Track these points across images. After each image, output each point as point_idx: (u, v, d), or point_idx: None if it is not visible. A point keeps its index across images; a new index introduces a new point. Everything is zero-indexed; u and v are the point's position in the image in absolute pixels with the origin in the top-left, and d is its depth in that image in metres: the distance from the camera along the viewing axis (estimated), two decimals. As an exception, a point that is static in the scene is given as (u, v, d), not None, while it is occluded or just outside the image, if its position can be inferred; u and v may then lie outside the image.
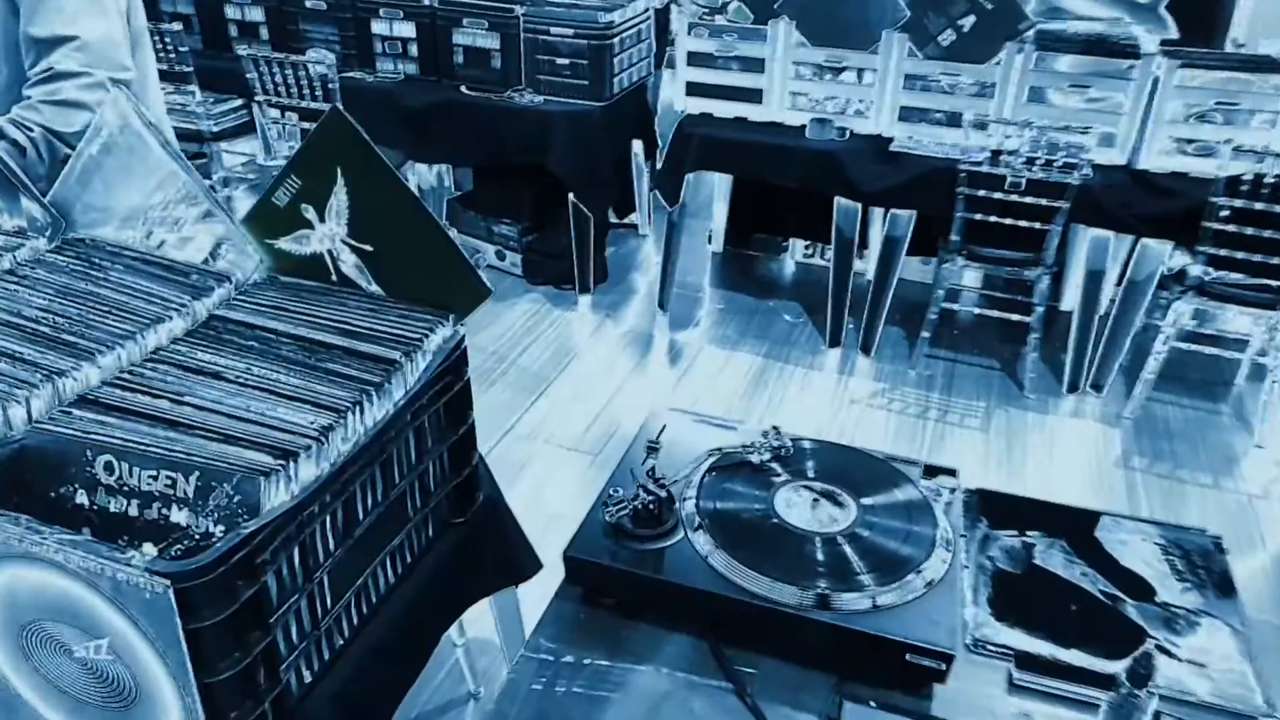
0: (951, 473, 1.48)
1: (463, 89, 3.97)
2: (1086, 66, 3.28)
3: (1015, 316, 3.53)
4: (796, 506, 1.36)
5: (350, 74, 4.09)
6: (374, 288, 1.46)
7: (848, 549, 1.29)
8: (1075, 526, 1.50)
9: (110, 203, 1.48)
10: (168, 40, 3.96)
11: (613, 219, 4.71)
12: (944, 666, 1.17)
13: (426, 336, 1.35)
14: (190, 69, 4.06)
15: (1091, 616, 1.33)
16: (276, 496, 1.03)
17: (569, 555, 1.29)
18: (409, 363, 1.31)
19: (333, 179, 1.38)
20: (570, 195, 3.85)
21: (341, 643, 1.26)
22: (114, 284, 1.35)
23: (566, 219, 3.95)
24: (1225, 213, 2.98)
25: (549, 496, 2.86)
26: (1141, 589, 1.37)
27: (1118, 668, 1.09)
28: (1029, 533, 1.49)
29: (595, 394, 3.44)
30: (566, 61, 3.81)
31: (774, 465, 1.45)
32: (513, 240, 4.14)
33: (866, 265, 4.29)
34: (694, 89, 3.69)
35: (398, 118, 3.95)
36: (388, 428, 1.24)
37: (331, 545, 1.17)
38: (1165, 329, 3.23)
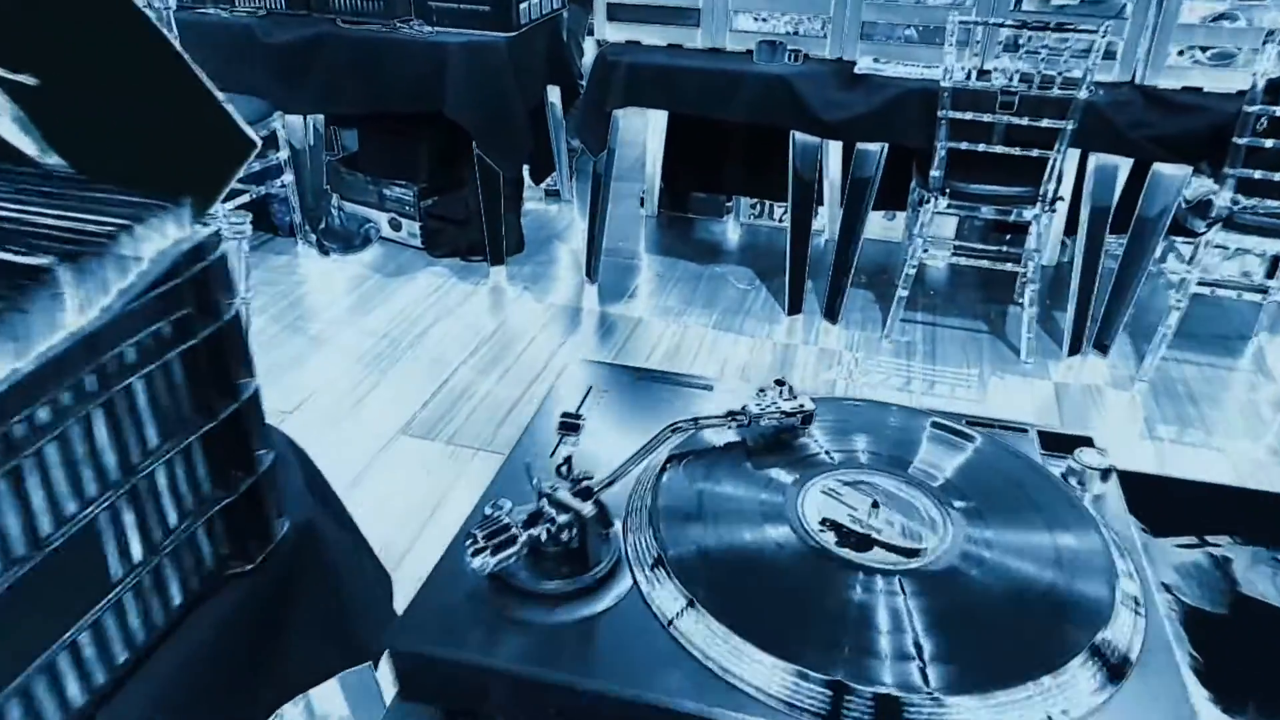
0: (1086, 442, 0.88)
1: (339, 21, 3.28)
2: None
3: (1008, 266, 3.00)
4: (842, 517, 0.75)
5: (201, 9, 3.37)
6: (51, 159, 0.81)
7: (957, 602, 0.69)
8: (1271, 517, 0.93)
9: None
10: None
11: (529, 183, 4.07)
12: None
13: (124, 234, 0.70)
14: None
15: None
16: None
17: (395, 650, 0.67)
18: (80, 279, 0.66)
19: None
20: (475, 148, 3.20)
21: None
22: None
23: (472, 178, 3.29)
24: (1263, 123, 2.47)
25: (448, 517, 2.20)
26: None
27: None
28: (1210, 538, 0.90)
29: (512, 380, 2.79)
30: (463, -16, 3.16)
31: (788, 444, 0.84)
32: (409, 205, 3.46)
33: (823, 224, 3.74)
34: (617, 11, 3.07)
35: (260, 60, 3.26)
36: (25, 392, 0.60)
37: None
38: (1187, 273, 2.73)
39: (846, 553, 0.72)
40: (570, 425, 0.85)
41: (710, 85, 2.92)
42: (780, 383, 0.90)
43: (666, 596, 0.70)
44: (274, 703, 1.03)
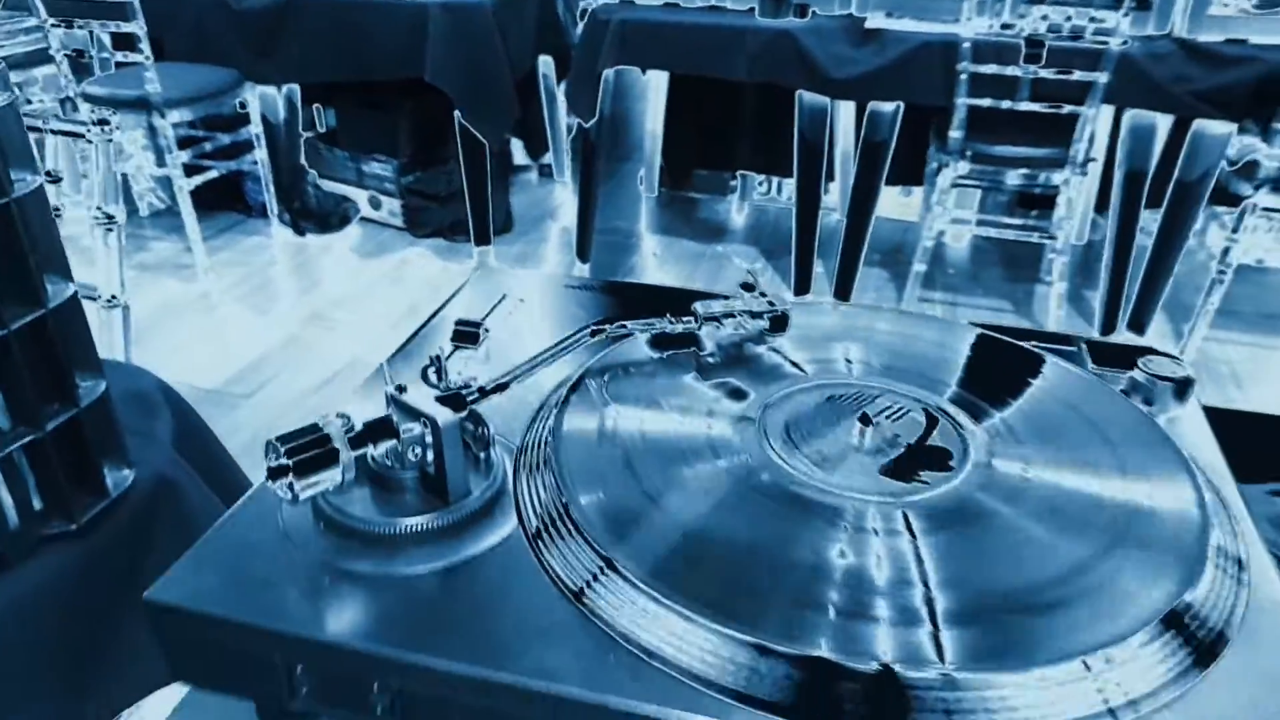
0: (1150, 353, 0.65)
1: (313, -15, 3.08)
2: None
3: (1035, 237, 2.76)
4: (826, 441, 0.53)
5: (170, -23, 3.18)
6: None
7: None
8: None
9: None
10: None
11: (523, 160, 3.86)
12: None
13: None
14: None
15: None
16: None
17: (153, 603, 0.44)
18: None
19: None
20: (458, 117, 2.98)
21: None
22: None
23: (455, 152, 3.08)
24: (1319, 72, 2.22)
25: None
26: None
27: None
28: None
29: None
30: (444, -58, 2.95)
31: (754, 357, 0.62)
32: (389, 182, 3.25)
33: (835, 202, 3.51)
34: (609, -33, 2.86)
35: (229, 27, 3.06)
36: None
37: None
38: (1231, 241, 2.47)
39: (825, 479, 0.49)
40: (466, 335, 0.63)
41: (709, 42, 2.70)
42: (749, 287, 0.67)
43: (571, 558, 0.47)
44: (113, 706, 0.80)
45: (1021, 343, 0.66)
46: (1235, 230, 2.49)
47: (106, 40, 3.08)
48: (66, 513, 0.73)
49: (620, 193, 3.70)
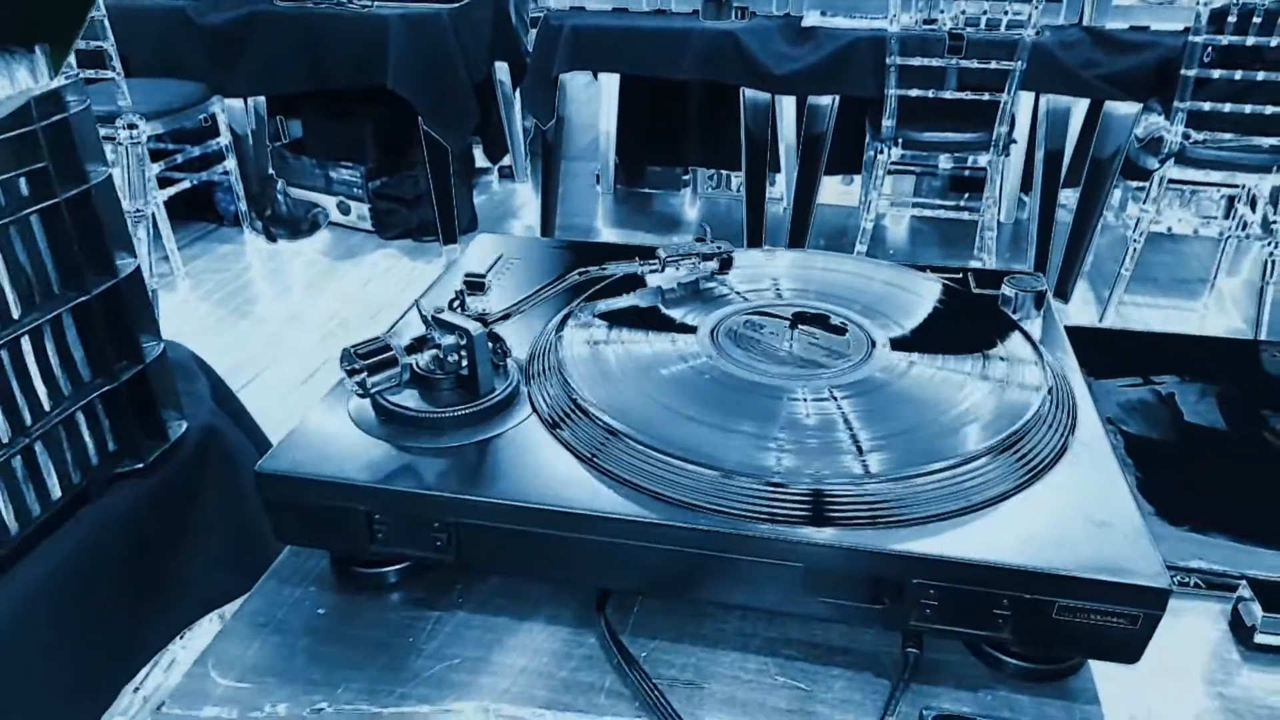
0: (1018, 274, 0.83)
1: (274, 0, 3.21)
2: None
3: (966, 215, 2.97)
4: (762, 344, 0.70)
5: (132, -4, 3.28)
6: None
7: (881, 400, 0.63)
8: (1224, 363, 0.88)
9: None
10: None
11: (483, 163, 4.01)
12: (1145, 615, 0.52)
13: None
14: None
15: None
16: None
17: (264, 473, 0.60)
18: None
19: None
20: (421, 123, 3.13)
21: None
22: None
23: (421, 157, 3.22)
24: (1209, 55, 2.45)
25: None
26: None
27: None
28: (1156, 378, 0.85)
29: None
30: (401, -44, 3.10)
31: (707, 291, 0.79)
32: (356, 187, 3.38)
33: (781, 193, 3.70)
34: (559, -24, 3.02)
35: (194, 41, 3.16)
36: None
37: None
38: (1143, 211, 2.70)
39: (770, 369, 0.66)
40: (475, 284, 0.79)
41: (656, 44, 2.87)
42: (701, 239, 0.84)
43: (581, 433, 0.63)
44: (176, 623, 0.95)
45: (920, 273, 0.84)
46: (1145, 201, 2.72)
47: (71, 58, 3.17)
48: (136, 453, 0.87)
49: (578, 191, 3.87)
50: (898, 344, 0.71)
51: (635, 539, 0.58)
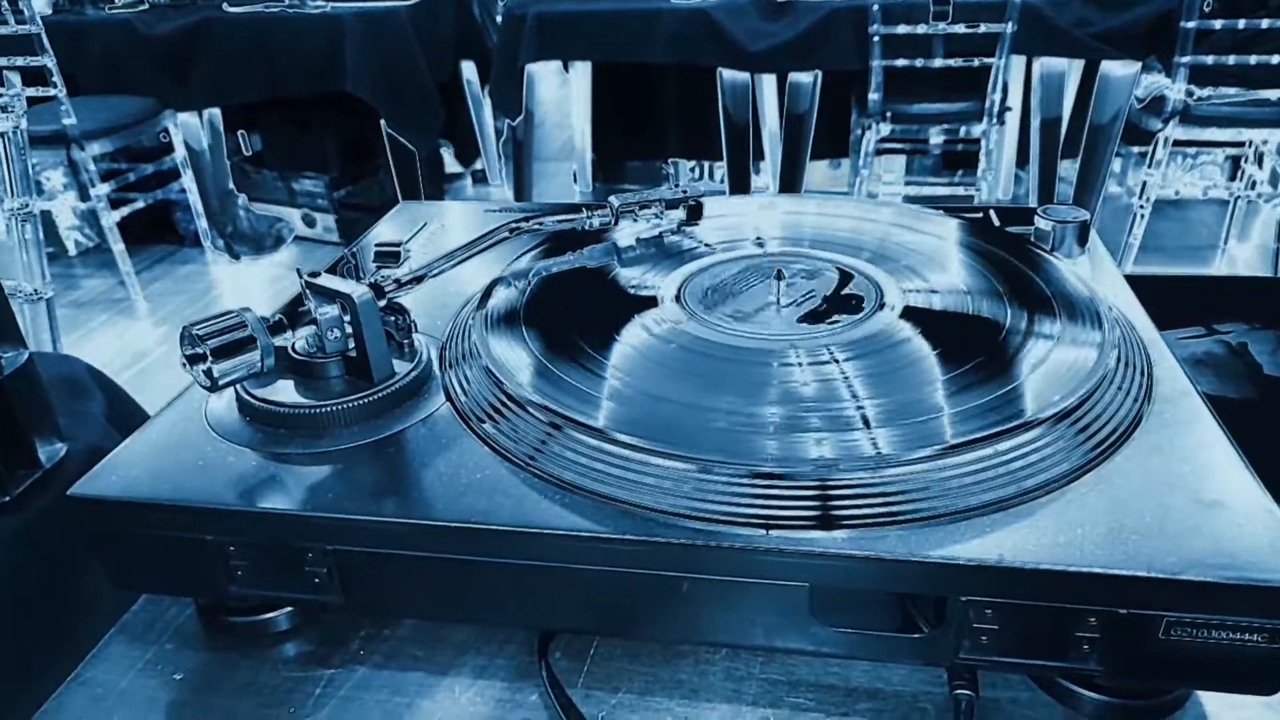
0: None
1: (225, 5, 3.06)
2: None
3: (960, 191, 2.83)
4: (743, 300, 0.54)
5: (77, 12, 3.14)
6: None
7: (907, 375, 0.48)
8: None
9: None
10: None
11: (455, 168, 3.85)
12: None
13: None
14: None
15: None
16: None
17: (82, 496, 0.45)
18: None
19: None
20: (384, 127, 2.98)
21: None
22: None
23: (386, 163, 3.07)
24: (1209, 4, 2.31)
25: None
26: None
27: None
28: (1219, 326, 0.70)
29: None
30: (354, -48, 2.96)
31: (673, 246, 0.63)
32: (320, 198, 3.23)
33: (765, 181, 3.55)
34: (520, -36, 2.87)
35: (141, 54, 3.02)
36: None
37: None
38: (1148, 175, 2.56)
39: (754, 330, 0.51)
40: (388, 254, 0.63)
41: (625, 27, 2.73)
42: (665, 177, 0.68)
43: (515, 429, 0.48)
44: (63, 672, 0.79)
45: (935, 213, 0.69)
46: (1150, 164, 2.58)
47: (15, 79, 3.02)
48: (-1, 486, 0.72)
49: (555, 192, 3.71)
50: (916, 295, 0.56)
51: (585, 562, 0.43)
